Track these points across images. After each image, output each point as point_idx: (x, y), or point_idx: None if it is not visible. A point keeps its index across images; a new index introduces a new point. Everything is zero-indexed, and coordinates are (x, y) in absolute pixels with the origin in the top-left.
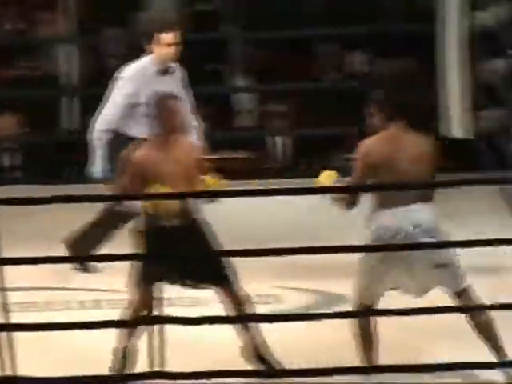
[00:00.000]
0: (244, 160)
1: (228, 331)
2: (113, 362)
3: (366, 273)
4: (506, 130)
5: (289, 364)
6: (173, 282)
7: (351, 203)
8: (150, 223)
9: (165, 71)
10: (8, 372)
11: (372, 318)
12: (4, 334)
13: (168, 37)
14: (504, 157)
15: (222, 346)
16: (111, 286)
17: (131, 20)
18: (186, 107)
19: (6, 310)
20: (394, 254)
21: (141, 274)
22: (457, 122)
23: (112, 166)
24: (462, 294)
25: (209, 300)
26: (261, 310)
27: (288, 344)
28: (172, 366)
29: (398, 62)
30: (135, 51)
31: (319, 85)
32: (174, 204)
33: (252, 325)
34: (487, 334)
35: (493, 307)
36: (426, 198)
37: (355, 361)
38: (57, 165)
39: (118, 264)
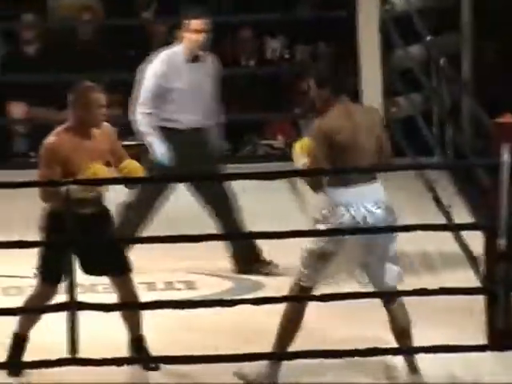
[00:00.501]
0: (136, 147)
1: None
2: (11, 348)
3: (316, 254)
4: (424, 115)
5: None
6: (83, 270)
7: (319, 185)
8: (65, 210)
9: (194, 59)
10: None
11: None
12: None
13: (197, 23)
14: (423, 142)
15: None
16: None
17: (47, 6)
18: (209, 98)
19: None
20: (353, 237)
21: (49, 261)
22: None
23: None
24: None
25: None
26: (174, 296)
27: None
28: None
29: (320, 47)
30: (50, 37)
31: (237, 70)
32: (94, 191)
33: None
34: (402, 324)
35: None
36: (375, 177)
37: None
38: None
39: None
